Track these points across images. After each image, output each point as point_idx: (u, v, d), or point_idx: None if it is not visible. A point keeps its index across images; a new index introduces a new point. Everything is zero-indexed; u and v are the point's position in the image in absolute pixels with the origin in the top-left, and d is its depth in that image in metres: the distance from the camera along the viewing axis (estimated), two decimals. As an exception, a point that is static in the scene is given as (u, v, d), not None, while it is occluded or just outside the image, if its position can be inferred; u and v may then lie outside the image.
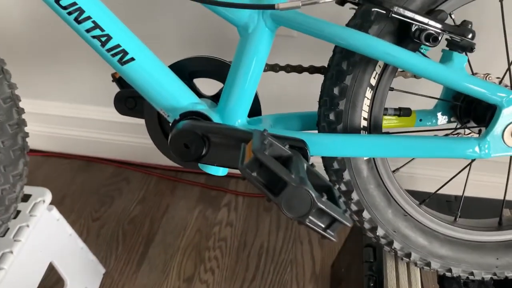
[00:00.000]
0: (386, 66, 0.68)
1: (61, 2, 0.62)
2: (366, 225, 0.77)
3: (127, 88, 0.78)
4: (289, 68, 0.81)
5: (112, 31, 0.65)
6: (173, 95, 0.70)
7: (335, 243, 1.22)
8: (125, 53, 0.66)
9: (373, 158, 0.72)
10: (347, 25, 0.68)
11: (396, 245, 0.79)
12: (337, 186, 0.74)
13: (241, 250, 1.25)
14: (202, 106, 0.71)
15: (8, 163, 0.71)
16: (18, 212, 0.87)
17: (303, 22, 0.65)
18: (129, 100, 0.79)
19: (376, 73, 0.68)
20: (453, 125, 0.82)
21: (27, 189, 0.89)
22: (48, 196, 0.93)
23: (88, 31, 0.64)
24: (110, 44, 0.65)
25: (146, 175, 1.48)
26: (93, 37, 0.64)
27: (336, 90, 0.68)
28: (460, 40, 0.64)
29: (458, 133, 0.82)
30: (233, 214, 1.36)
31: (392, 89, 0.72)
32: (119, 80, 0.79)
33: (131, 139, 1.46)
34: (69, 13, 0.63)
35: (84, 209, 1.37)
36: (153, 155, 1.42)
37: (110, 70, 0.72)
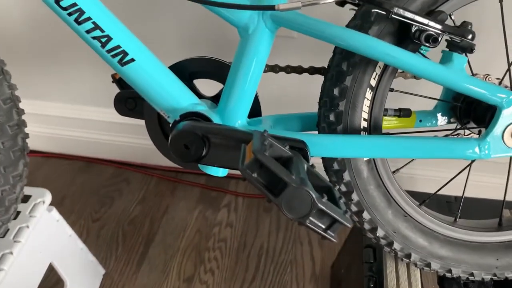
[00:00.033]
0: (386, 67, 0.68)
1: (61, 3, 0.62)
2: (366, 226, 0.77)
3: (127, 89, 0.78)
4: (289, 69, 0.81)
5: (112, 32, 0.65)
6: (173, 96, 0.70)
7: (335, 243, 1.22)
8: (125, 54, 0.66)
9: (373, 159, 0.72)
10: (347, 26, 0.68)
11: (396, 245, 0.79)
12: (337, 187, 0.74)
13: (241, 250, 1.25)
14: (202, 107, 0.71)
15: (8, 164, 0.71)
16: (18, 213, 0.87)
17: (303, 23, 0.65)
18: (129, 101, 0.79)
19: (376, 74, 0.68)
20: (453, 125, 0.82)
21: (27, 190, 0.89)
22: (48, 197, 0.93)
23: (88, 32, 0.64)
24: (110, 45, 0.65)
25: (146, 175, 1.48)
26: (93, 38, 0.64)
27: (336, 91, 0.68)
28: (460, 41, 0.64)
29: (458, 134, 0.82)
30: (233, 215, 1.36)
31: (392, 90, 0.72)
32: (119, 81, 0.79)
33: (131, 140, 1.46)
34: (69, 14, 0.63)
35: (84, 210, 1.36)
36: (153, 156, 1.42)
37: (110, 71, 0.72)
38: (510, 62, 0.74)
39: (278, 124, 0.77)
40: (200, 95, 0.79)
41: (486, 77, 0.73)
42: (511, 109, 0.66)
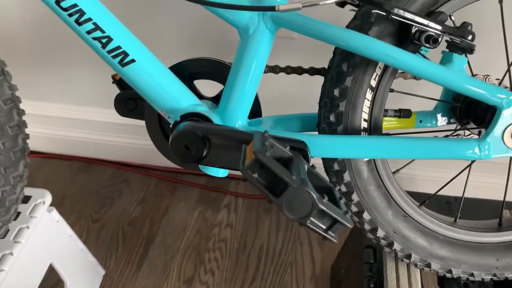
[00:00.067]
0: (386, 67, 0.68)
1: (62, 4, 0.62)
2: (367, 226, 0.78)
3: (128, 90, 0.78)
4: (289, 70, 0.81)
5: (113, 32, 0.65)
6: (173, 96, 0.70)
7: (335, 244, 1.22)
8: (125, 54, 0.66)
9: (374, 159, 0.73)
10: (347, 26, 0.68)
11: (396, 246, 0.79)
12: (338, 187, 0.74)
13: (241, 251, 1.25)
14: (202, 108, 0.71)
15: (9, 164, 0.71)
16: (18, 213, 0.88)
17: (304, 24, 0.65)
18: (130, 101, 0.79)
19: (376, 74, 0.68)
20: (453, 126, 0.83)
21: (27, 191, 0.89)
22: (48, 197, 0.93)
23: (88, 32, 0.64)
24: (110, 46, 0.65)
25: (146, 176, 1.48)
26: (94, 38, 0.64)
27: (336, 92, 0.68)
28: (460, 41, 0.64)
29: (458, 134, 0.82)
30: (233, 216, 1.36)
31: (392, 90, 0.72)
32: (119, 81, 0.79)
33: (131, 141, 1.46)
34: (70, 15, 0.63)
35: (84, 211, 1.36)
36: (153, 156, 1.42)
37: (111, 72, 0.72)
38: (510, 62, 0.74)
39: (279, 125, 0.77)
40: (200, 96, 0.79)
41: (486, 77, 0.73)
42: (511, 109, 0.66)
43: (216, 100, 0.78)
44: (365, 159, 0.72)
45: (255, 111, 0.77)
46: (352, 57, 0.67)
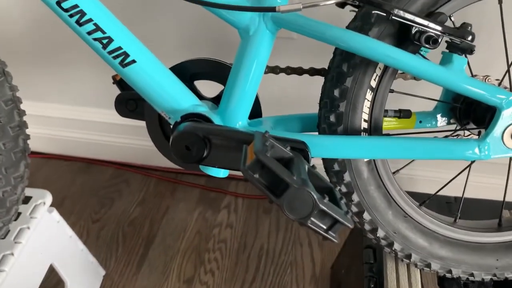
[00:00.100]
0: (386, 68, 0.68)
1: (62, 5, 0.62)
2: (367, 227, 0.78)
3: (128, 90, 0.78)
4: (289, 70, 0.81)
5: (114, 33, 0.65)
6: (174, 97, 0.70)
7: (335, 244, 1.22)
8: (126, 55, 0.66)
9: (374, 160, 0.73)
10: (348, 27, 0.68)
11: (397, 246, 0.79)
12: (338, 187, 0.75)
13: (241, 251, 1.25)
14: (203, 108, 0.71)
15: (10, 165, 0.71)
16: (19, 214, 0.88)
17: (304, 25, 0.65)
18: (130, 102, 0.79)
19: (377, 75, 0.68)
20: (453, 126, 0.83)
21: (28, 191, 0.89)
22: (48, 198, 0.93)
23: (89, 33, 0.64)
24: (111, 47, 0.65)
25: (146, 177, 1.49)
26: (95, 39, 0.65)
27: (336, 92, 0.69)
28: (460, 42, 0.64)
29: (457, 135, 0.82)
30: (233, 216, 1.36)
31: (392, 91, 0.72)
32: (119, 82, 0.79)
33: (131, 141, 1.46)
34: (71, 16, 0.63)
35: (84, 211, 1.37)
36: (153, 157, 1.42)
37: (111, 72, 0.72)
38: (509, 63, 0.74)
39: (279, 125, 0.77)
40: (201, 96, 0.79)
41: (486, 78, 0.73)
42: (511, 110, 0.66)
43: (216, 100, 0.79)
44: (365, 160, 0.72)
45: (256, 112, 0.77)
46: (352, 57, 0.67)
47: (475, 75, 0.74)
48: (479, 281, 0.83)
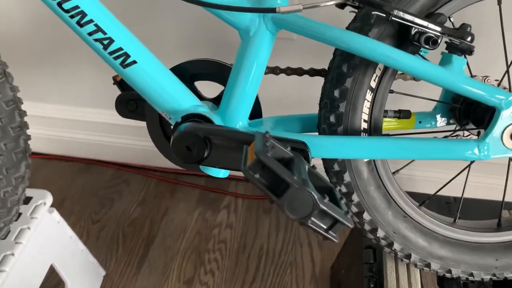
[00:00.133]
0: (386, 68, 0.68)
1: (63, 6, 0.62)
2: (367, 227, 0.78)
3: (128, 91, 0.78)
4: (289, 71, 0.81)
5: (114, 34, 0.65)
6: (175, 97, 0.70)
7: (335, 244, 1.23)
8: (127, 56, 0.66)
9: (373, 160, 0.73)
10: (347, 28, 0.68)
11: (396, 246, 0.79)
12: (338, 188, 0.75)
13: (240, 252, 1.26)
14: (203, 109, 0.72)
15: (11, 165, 0.71)
16: (19, 214, 0.88)
17: (304, 26, 0.65)
18: (131, 102, 0.80)
19: (376, 75, 0.68)
20: (452, 127, 0.83)
21: (28, 192, 0.89)
22: (49, 198, 0.93)
23: (90, 34, 0.64)
24: (112, 47, 0.65)
25: (146, 177, 1.49)
26: (95, 40, 0.65)
27: (336, 93, 0.69)
28: (459, 43, 0.64)
29: (457, 135, 0.82)
30: (232, 216, 1.36)
31: (392, 91, 0.72)
32: (120, 82, 0.79)
33: (132, 142, 1.46)
34: (72, 17, 0.63)
35: (84, 212, 1.37)
36: (153, 157, 1.42)
37: (111, 73, 0.72)
38: (508, 63, 0.75)
39: (279, 126, 0.78)
40: (201, 97, 0.79)
41: (485, 78, 0.74)
42: (510, 110, 0.66)
43: (216, 101, 0.79)
44: (365, 160, 0.73)
45: (256, 112, 0.77)
46: (352, 58, 0.67)
47: (475, 76, 0.75)
48: (479, 281, 0.83)
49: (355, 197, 0.74)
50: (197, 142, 0.66)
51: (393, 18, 0.61)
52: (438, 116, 0.83)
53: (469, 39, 0.64)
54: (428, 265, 0.81)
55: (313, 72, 0.80)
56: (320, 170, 0.66)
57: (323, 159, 0.74)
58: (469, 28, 0.65)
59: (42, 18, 1.27)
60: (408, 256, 0.80)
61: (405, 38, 0.65)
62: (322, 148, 0.69)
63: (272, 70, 0.81)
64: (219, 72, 0.77)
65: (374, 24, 0.65)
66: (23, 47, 1.35)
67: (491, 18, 0.76)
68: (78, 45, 0.81)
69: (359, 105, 0.69)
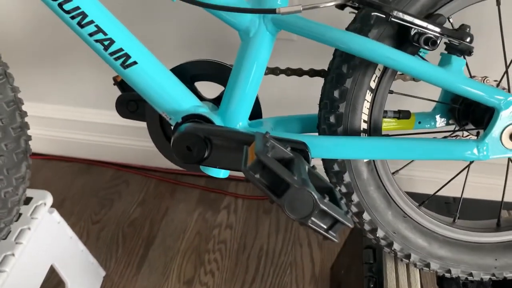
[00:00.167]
0: (385, 69, 0.68)
1: (64, 7, 0.62)
2: (366, 227, 0.78)
3: (129, 91, 0.79)
4: (289, 72, 0.81)
5: (115, 35, 0.65)
6: (175, 98, 0.71)
7: (334, 245, 1.23)
8: (127, 56, 0.66)
9: (373, 160, 0.73)
10: (347, 29, 0.68)
11: (396, 246, 0.79)
12: (338, 188, 0.75)
13: (240, 252, 1.26)
14: (204, 109, 0.72)
15: (11, 166, 0.71)
16: (20, 215, 0.88)
17: (304, 26, 0.66)
18: (131, 103, 0.80)
19: (376, 76, 0.68)
20: (452, 127, 0.83)
21: (28, 192, 0.89)
22: (49, 199, 0.93)
23: (91, 35, 0.64)
24: (113, 48, 0.65)
25: (146, 178, 1.49)
26: (96, 41, 0.65)
27: (336, 93, 0.69)
28: (459, 43, 0.65)
29: (456, 136, 0.83)
30: (232, 217, 1.36)
31: (391, 92, 0.72)
32: (120, 83, 0.79)
33: (131, 142, 1.46)
34: (72, 17, 0.63)
35: (84, 212, 1.37)
36: (153, 158, 1.42)
37: (112, 73, 0.72)
38: (507, 64, 0.75)
39: (279, 126, 0.78)
40: (201, 98, 0.79)
41: (484, 79, 0.74)
42: (509, 110, 0.67)
43: (217, 101, 0.79)
44: (365, 160, 0.73)
45: (256, 113, 0.78)
46: (351, 59, 0.67)
47: (474, 76, 0.75)
48: (478, 281, 0.83)
49: (355, 197, 0.75)
50: (197, 142, 0.66)
51: (392, 19, 0.62)
52: (437, 117, 0.83)
53: (468, 39, 0.64)
54: (427, 265, 0.81)
55: (313, 73, 0.80)
56: (320, 170, 0.66)
57: (323, 160, 0.74)
58: (468, 29, 0.65)
59: (42, 19, 1.27)
60: (408, 256, 0.81)
61: (404, 39, 0.65)
62: (322, 148, 0.69)
63: (272, 71, 0.81)
64: (219, 72, 0.77)
65: (374, 25, 0.65)
66: (23, 47, 1.35)
67: (490, 19, 0.76)
68: (78, 46, 0.82)
69: (359, 106, 0.69)
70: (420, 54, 0.72)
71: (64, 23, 0.64)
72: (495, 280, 0.83)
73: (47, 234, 0.93)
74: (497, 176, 1.01)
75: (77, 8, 0.63)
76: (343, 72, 0.68)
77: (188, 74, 0.78)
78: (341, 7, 0.68)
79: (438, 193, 0.85)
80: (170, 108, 0.71)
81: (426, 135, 0.82)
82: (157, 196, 1.43)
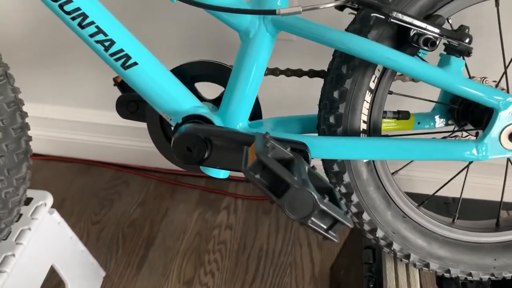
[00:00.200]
0: (385, 70, 0.69)
1: (65, 8, 0.62)
2: (366, 227, 0.78)
3: (129, 92, 0.79)
4: (289, 72, 0.81)
5: (116, 35, 0.65)
6: (175, 99, 0.71)
7: (334, 245, 1.23)
8: (128, 57, 0.67)
9: (373, 161, 0.73)
10: (347, 30, 0.69)
11: (396, 246, 0.80)
12: (337, 188, 0.75)
13: (240, 252, 1.26)
14: (204, 110, 0.72)
15: (12, 166, 0.71)
16: (20, 215, 0.88)
17: (304, 27, 0.66)
18: (131, 104, 0.80)
19: (375, 76, 0.68)
20: (451, 128, 0.83)
21: (29, 193, 0.89)
22: (49, 199, 0.93)
23: (91, 36, 0.65)
24: (113, 49, 0.66)
25: (146, 178, 1.49)
26: (97, 42, 0.65)
27: (336, 94, 0.69)
28: (458, 44, 0.65)
29: (455, 136, 0.83)
30: (232, 217, 1.36)
31: (391, 92, 0.73)
32: (120, 84, 0.80)
33: (131, 143, 1.46)
34: (73, 18, 0.63)
35: (84, 212, 1.37)
36: (153, 158, 1.42)
37: (112, 74, 0.72)
38: (506, 65, 0.75)
39: (279, 127, 0.78)
40: (201, 98, 0.80)
41: (483, 79, 0.74)
42: (508, 111, 0.67)
43: (217, 102, 0.79)
44: (365, 161, 0.73)
45: (256, 113, 0.78)
46: (351, 59, 0.67)
47: (473, 77, 0.75)
48: (477, 281, 0.84)
49: (354, 198, 0.75)
50: (197, 143, 0.66)
51: (392, 20, 0.62)
52: (436, 117, 0.83)
53: (467, 40, 0.65)
54: (427, 265, 0.81)
55: (312, 73, 0.80)
56: (320, 170, 0.66)
57: (322, 160, 0.75)
58: (467, 30, 0.65)
59: (42, 19, 1.27)
60: (407, 256, 0.81)
61: (404, 40, 0.65)
62: (322, 148, 0.69)
63: (272, 72, 0.81)
64: (219, 73, 0.77)
65: (373, 26, 0.65)
66: (23, 48, 1.35)
67: (489, 19, 0.76)
68: (78, 46, 0.81)
69: (358, 106, 0.69)
70: (420, 55, 0.72)
71: (65, 24, 0.65)
72: (494, 280, 0.83)
73: (48, 234, 0.93)
74: (496, 177, 1.01)
75: (78, 9, 0.63)
76: (342, 72, 0.68)
77: (188, 75, 0.78)
78: (340, 8, 0.68)
79: (437, 194, 0.85)
80: (170, 108, 0.71)
81: (426, 135, 0.82)
82: (157, 196, 1.43)
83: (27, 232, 0.86)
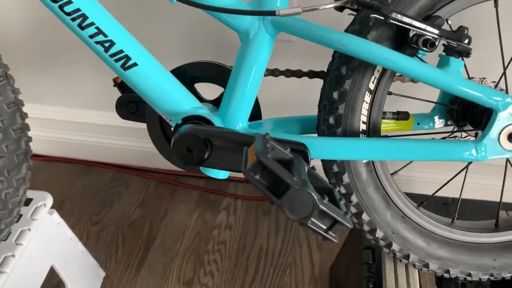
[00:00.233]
0: (384, 70, 0.69)
1: (65, 9, 0.63)
2: (366, 227, 0.78)
3: (129, 93, 0.79)
4: (288, 73, 0.82)
5: (115, 36, 0.65)
6: (175, 99, 0.71)
7: (334, 245, 1.23)
8: (128, 58, 0.67)
9: (372, 161, 0.73)
10: (346, 31, 0.69)
11: (395, 246, 0.80)
12: (337, 188, 0.75)
13: (240, 253, 1.26)
14: (203, 111, 0.72)
15: (12, 167, 0.71)
16: (20, 216, 0.88)
17: (303, 28, 0.66)
18: (131, 104, 0.80)
19: (375, 77, 0.69)
20: (450, 128, 0.84)
21: (29, 193, 0.89)
22: (49, 200, 0.93)
23: (91, 36, 0.65)
24: (113, 50, 0.66)
25: (146, 179, 1.49)
26: (97, 42, 0.65)
27: (335, 95, 0.69)
28: (457, 45, 0.65)
29: (455, 136, 0.83)
30: (232, 218, 1.36)
31: (390, 93, 0.73)
32: (120, 84, 0.80)
33: (131, 143, 1.47)
34: (73, 19, 0.63)
35: (84, 213, 1.37)
36: (153, 159, 1.42)
37: (112, 75, 0.73)
38: (505, 65, 0.75)
39: (279, 127, 0.78)
40: (201, 99, 0.80)
41: (482, 80, 0.74)
42: (507, 111, 0.67)
43: (216, 103, 0.79)
44: (364, 161, 0.73)
45: (255, 114, 0.78)
46: (351, 60, 0.68)
47: (472, 78, 0.75)
48: (477, 281, 0.84)
49: (354, 198, 0.75)
50: (197, 143, 0.67)
51: (391, 21, 0.62)
52: (436, 118, 0.83)
53: (466, 41, 0.65)
54: (426, 266, 0.81)
55: (312, 74, 0.80)
56: (320, 171, 0.66)
57: (322, 160, 0.75)
58: (466, 31, 0.66)
59: (42, 19, 1.28)
60: (407, 257, 0.81)
61: (403, 41, 0.65)
62: (322, 149, 0.69)
63: (272, 72, 0.81)
64: (219, 74, 0.77)
65: (373, 26, 0.66)
66: (23, 48, 1.35)
67: (488, 20, 0.76)
68: (78, 47, 0.82)
69: (358, 107, 0.69)
70: (419, 55, 0.73)
71: (65, 24, 0.65)
72: (494, 280, 0.83)
73: (47, 235, 0.93)
74: (495, 177, 1.01)
75: (78, 10, 0.63)
76: (342, 73, 0.68)
77: (188, 75, 0.78)
78: (340, 9, 0.68)
79: (436, 194, 0.85)
80: (170, 109, 0.71)
81: (425, 136, 0.82)
82: (156, 197, 1.43)
83: (27, 233, 0.86)
